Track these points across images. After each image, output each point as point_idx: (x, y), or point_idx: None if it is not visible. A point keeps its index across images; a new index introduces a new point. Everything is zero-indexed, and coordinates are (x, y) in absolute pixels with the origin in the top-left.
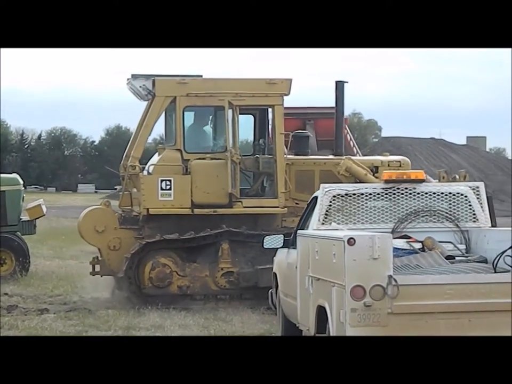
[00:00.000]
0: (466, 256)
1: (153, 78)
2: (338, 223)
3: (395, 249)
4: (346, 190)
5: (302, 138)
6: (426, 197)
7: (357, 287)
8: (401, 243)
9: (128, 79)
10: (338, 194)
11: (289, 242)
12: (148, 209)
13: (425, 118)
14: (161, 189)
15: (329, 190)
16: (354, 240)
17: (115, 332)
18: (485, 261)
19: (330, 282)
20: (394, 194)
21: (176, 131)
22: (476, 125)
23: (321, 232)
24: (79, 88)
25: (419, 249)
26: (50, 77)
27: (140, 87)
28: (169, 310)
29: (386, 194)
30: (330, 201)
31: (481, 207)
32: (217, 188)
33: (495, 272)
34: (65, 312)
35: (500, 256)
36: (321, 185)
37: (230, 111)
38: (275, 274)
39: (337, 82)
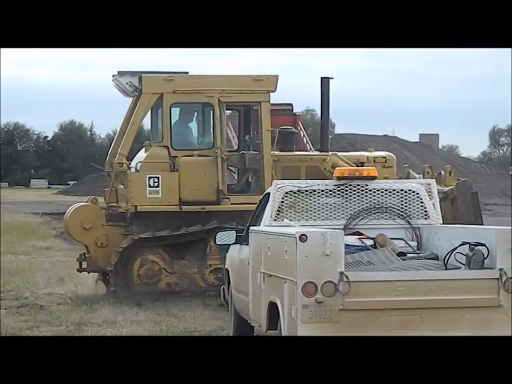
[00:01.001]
0: (418, 253)
1: (139, 75)
2: (291, 220)
3: (347, 245)
4: (298, 186)
5: (288, 134)
6: (378, 193)
7: (308, 284)
8: (353, 240)
9: (114, 76)
10: (291, 191)
11: (242, 239)
12: (136, 206)
13: (378, 115)
14: (149, 186)
15: (282, 187)
16: (306, 237)
17: (67, 327)
18: (436, 258)
19: (282, 279)
20: (346, 191)
21: (163, 128)
22: (428, 123)
23: (273, 228)
24: (32, 83)
25: (371, 246)
26: (3, 71)
27: (126, 83)
28: (121, 305)
29: (338, 191)
30: (283, 198)
31: (433, 204)
32: (205, 185)
33: (446, 269)
34: (17, 308)
35: (451, 253)
36: (274, 181)
37: (217, 108)
38: (227, 270)
39: (322, 78)
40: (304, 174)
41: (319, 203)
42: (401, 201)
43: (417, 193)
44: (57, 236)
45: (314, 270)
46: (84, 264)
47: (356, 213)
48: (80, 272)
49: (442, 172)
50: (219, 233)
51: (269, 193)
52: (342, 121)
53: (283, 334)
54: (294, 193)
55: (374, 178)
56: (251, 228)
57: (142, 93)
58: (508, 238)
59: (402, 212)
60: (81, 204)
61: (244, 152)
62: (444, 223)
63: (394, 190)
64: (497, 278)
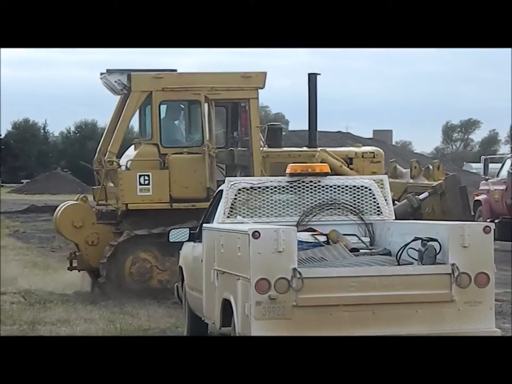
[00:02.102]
0: (371, 249)
1: (128, 73)
2: (244, 217)
3: (300, 242)
4: (251, 183)
5: (276, 131)
6: (331, 190)
7: (261, 280)
8: (306, 236)
9: (102, 74)
10: (244, 188)
11: (195, 236)
12: (127, 204)
13: (332, 112)
14: (140, 184)
15: (235, 184)
16: (259, 233)
17: (20, 326)
18: (389, 254)
19: (235, 276)
20: (299, 187)
21: (152, 126)
22: (382, 119)
23: (227, 225)
24: None
25: (324, 242)
26: None
27: (115, 82)
28: (75, 304)
29: (291, 187)
30: (236, 195)
31: (385, 200)
32: (195, 182)
33: (399, 264)
34: None
35: (403, 249)
36: (226, 178)
37: (205, 105)
38: (181, 268)
39: (309, 74)
40: None
41: (272, 200)
42: (354, 197)
43: (370, 189)
44: (11, 235)
45: (267, 266)
46: (74, 263)
47: (308, 210)
48: (71, 270)
49: (430, 167)
50: (172, 230)
51: (222, 191)
52: (296, 117)
53: (237, 331)
54: (247, 190)
55: (326, 174)
56: (204, 225)
57: (131, 91)
58: (459, 233)
59: (355, 208)
60: (72, 202)
61: (232, 148)
62: (433, 217)
63: (347, 186)
64: (450, 273)
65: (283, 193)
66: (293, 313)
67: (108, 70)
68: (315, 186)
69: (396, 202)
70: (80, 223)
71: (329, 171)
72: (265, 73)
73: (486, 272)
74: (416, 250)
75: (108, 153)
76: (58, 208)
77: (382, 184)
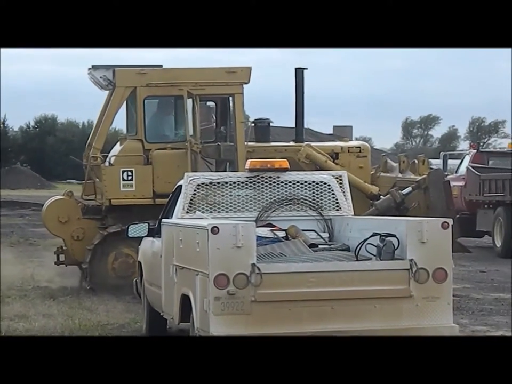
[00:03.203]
0: (329, 244)
1: (113, 69)
2: (203, 212)
3: (259, 237)
4: (210, 178)
5: (263, 126)
6: (290, 185)
7: (220, 276)
8: (265, 231)
9: (89, 69)
10: (203, 183)
11: (154, 231)
12: (110, 200)
13: (291, 107)
14: (123, 179)
15: (194, 179)
16: (218, 229)
17: None
18: (348, 249)
19: (194, 271)
20: (258, 183)
21: (137, 121)
22: (342, 115)
23: (185, 221)
24: None
25: (283, 237)
26: None
27: (101, 77)
28: (33, 299)
29: (250, 183)
30: (195, 190)
31: (344, 195)
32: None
33: (357, 260)
34: None
35: (362, 244)
36: (185, 174)
37: (190, 101)
38: (140, 263)
39: (296, 69)
40: None
41: (231, 195)
42: (313, 193)
43: (329, 185)
44: None
45: (226, 262)
46: (62, 258)
47: (267, 205)
48: (58, 265)
49: (416, 161)
50: (131, 225)
51: (181, 186)
52: (256, 113)
53: (195, 327)
54: (206, 185)
55: (285, 170)
56: (163, 220)
57: (115, 86)
58: (418, 229)
59: (314, 203)
60: (57, 197)
61: (219, 143)
62: (419, 212)
63: (306, 182)
64: (408, 269)
65: (242, 189)
66: (252, 308)
67: (93, 66)
68: (274, 182)
69: (381, 196)
70: (66, 218)
71: (289, 167)
72: (250, 68)
73: (444, 268)
74: (374, 245)
75: (92, 148)
76: (45, 204)
77: (341, 179)
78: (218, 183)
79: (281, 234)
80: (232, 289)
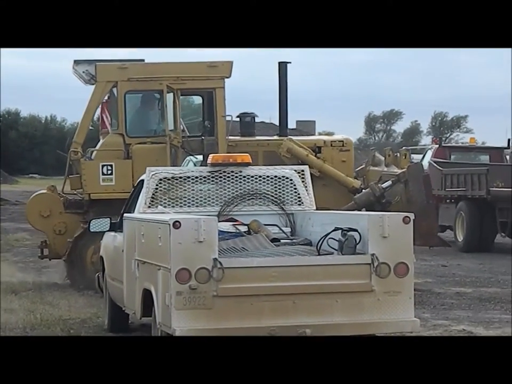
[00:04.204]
0: (291, 239)
1: (95, 63)
2: (165, 206)
3: (221, 232)
4: (172, 173)
5: (248, 120)
6: (252, 180)
7: (182, 270)
8: (227, 226)
9: (72, 64)
10: (165, 178)
11: (116, 226)
12: (89, 194)
13: (256, 102)
14: (103, 174)
15: (156, 173)
16: (180, 223)
17: None
18: (310, 244)
19: (156, 266)
20: (220, 177)
21: (118, 116)
22: (305, 109)
23: (147, 215)
24: None
25: (245, 232)
26: None
27: (83, 72)
28: None
29: (212, 177)
30: (157, 185)
31: (306, 190)
32: None
33: (319, 254)
34: None
35: (324, 239)
36: (147, 168)
37: (170, 95)
38: (102, 258)
39: (280, 63)
40: (262, 159)
41: (193, 190)
42: (275, 187)
43: (291, 180)
44: None
45: (188, 256)
46: (46, 252)
47: (230, 200)
48: (42, 259)
49: (398, 154)
50: (93, 220)
51: (143, 180)
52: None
53: (157, 321)
54: (168, 179)
55: (247, 164)
56: (125, 215)
57: (96, 81)
58: (379, 223)
59: (276, 198)
60: (40, 191)
61: (203, 137)
62: (401, 206)
63: (268, 176)
64: (369, 263)
65: (204, 183)
66: (214, 303)
67: (75, 61)
68: (236, 177)
69: (363, 190)
70: (48, 212)
71: (251, 161)
72: (231, 63)
73: (405, 262)
74: (336, 240)
75: (72, 143)
76: (29, 198)
77: (303, 174)
78: (180, 177)
79: (243, 228)
80: (194, 284)
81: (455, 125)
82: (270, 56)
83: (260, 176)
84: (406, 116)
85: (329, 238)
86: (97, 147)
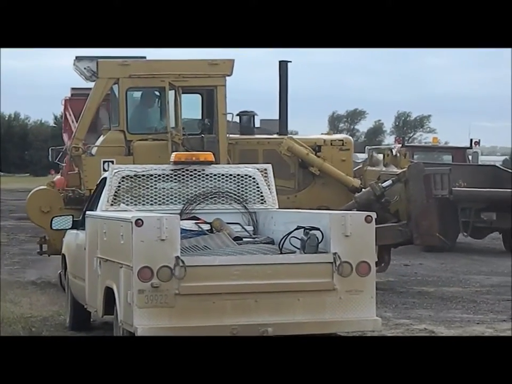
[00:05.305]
0: (254, 238)
1: (97, 60)
2: (127, 204)
3: (183, 230)
4: (135, 171)
5: (248, 118)
6: (215, 178)
7: (144, 268)
8: (189, 224)
9: (74, 60)
10: (128, 176)
11: (78, 224)
12: (90, 190)
13: (252, 101)
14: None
15: (118, 171)
16: (142, 221)
17: None
18: (272, 242)
19: (118, 264)
20: (183, 175)
21: (119, 112)
22: (268, 108)
23: (110, 213)
24: None
25: (207, 230)
26: None
27: (85, 68)
28: None
29: (175, 175)
30: (119, 182)
31: (269, 188)
32: None
33: (281, 253)
34: None
35: (286, 238)
36: (110, 166)
37: (172, 92)
38: (64, 255)
39: (280, 62)
40: (262, 157)
41: (156, 188)
42: (238, 186)
43: (254, 178)
44: None
45: (150, 254)
46: (45, 247)
47: (192, 198)
48: (41, 254)
49: (398, 154)
50: (55, 218)
51: (105, 178)
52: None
53: (119, 319)
54: (131, 177)
55: (210, 163)
56: (87, 212)
57: (98, 77)
58: (341, 222)
59: (238, 196)
60: (40, 187)
61: (203, 135)
62: (401, 205)
63: (231, 175)
64: (331, 262)
65: (167, 182)
66: (176, 301)
67: (77, 57)
68: (199, 175)
69: (362, 189)
70: (48, 208)
71: (214, 160)
72: (232, 61)
73: (367, 261)
74: (298, 239)
75: (74, 139)
76: (28, 194)
77: (266, 173)
78: (143, 175)
79: (206, 227)
80: (156, 282)
81: (418, 124)
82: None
83: (223, 175)
84: (369, 115)
85: (292, 237)
86: (99, 143)
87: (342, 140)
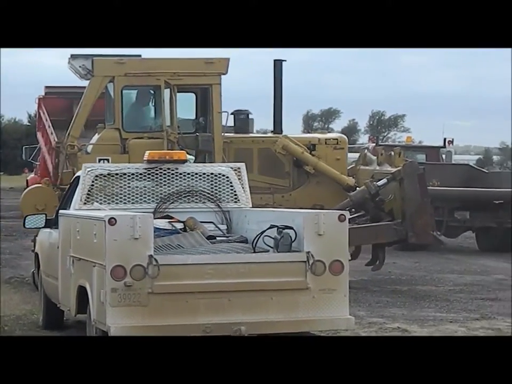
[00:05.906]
0: (227, 236)
1: (92, 58)
2: (101, 203)
3: (156, 229)
4: (108, 170)
5: (243, 117)
6: (188, 177)
7: (117, 267)
8: (163, 223)
9: (69, 59)
10: (101, 174)
11: (52, 222)
12: None
13: (248, 100)
14: None
15: (92, 170)
16: (115, 220)
17: None
18: (245, 241)
19: (91, 262)
20: (157, 174)
21: (114, 110)
22: (243, 107)
23: (83, 212)
24: None
25: (181, 229)
26: None
27: (80, 66)
28: None
29: (149, 174)
30: (93, 181)
31: (243, 187)
32: None
33: (255, 252)
34: None
35: (259, 236)
36: (83, 164)
37: (167, 91)
38: (37, 254)
39: (275, 61)
40: (256, 156)
41: (129, 186)
42: (212, 184)
43: (227, 177)
44: None
45: (123, 253)
46: None
47: (166, 197)
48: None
49: (392, 153)
50: (28, 216)
51: (79, 177)
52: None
53: (92, 318)
54: (104, 176)
55: (184, 161)
56: (60, 211)
57: (93, 76)
58: (314, 221)
59: (212, 195)
60: (35, 185)
61: (198, 134)
62: (395, 204)
63: (204, 174)
64: (304, 261)
65: (140, 180)
66: (149, 300)
67: (72, 55)
68: (173, 174)
69: (357, 188)
70: (43, 206)
71: (187, 158)
72: (228, 59)
73: (341, 260)
74: (272, 238)
75: (69, 137)
76: (23, 192)
77: (239, 171)
78: (116, 174)
79: (179, 226)
80: (129, 281)
81: (392, 124)
82: (211, 53)
83: (196, 174)
84: (344, 115)
85: (265, 236)
86: (94, 141)
87: (337, 139)
